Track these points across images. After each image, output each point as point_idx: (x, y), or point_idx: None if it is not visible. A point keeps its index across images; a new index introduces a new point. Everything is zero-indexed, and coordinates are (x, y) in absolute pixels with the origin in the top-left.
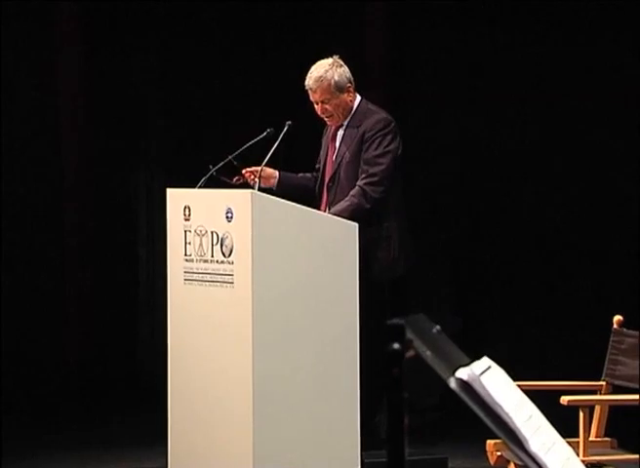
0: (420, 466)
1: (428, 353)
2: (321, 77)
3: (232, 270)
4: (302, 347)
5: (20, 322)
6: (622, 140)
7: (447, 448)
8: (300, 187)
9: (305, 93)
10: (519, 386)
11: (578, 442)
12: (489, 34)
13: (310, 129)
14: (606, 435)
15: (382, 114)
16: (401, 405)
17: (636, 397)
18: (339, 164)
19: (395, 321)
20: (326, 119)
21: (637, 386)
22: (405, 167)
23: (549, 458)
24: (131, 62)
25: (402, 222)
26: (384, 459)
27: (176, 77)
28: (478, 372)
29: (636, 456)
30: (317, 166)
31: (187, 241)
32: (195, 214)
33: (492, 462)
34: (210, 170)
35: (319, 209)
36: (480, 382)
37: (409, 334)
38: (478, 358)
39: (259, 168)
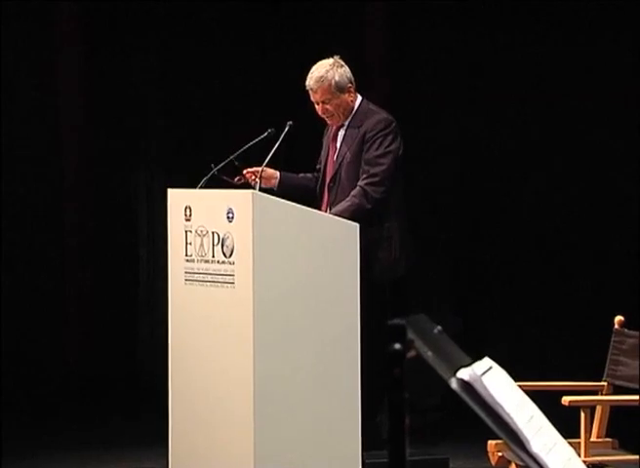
0: (421, 466)
1: (429, 353)
2: (322, 77)
3: (233, 270)
4: (303, 347)
5: (20, 322)
6: (622, 140)
7: (448, 449)
8: (301, 187)
9: (306, 93)
10: (520, 387)
11: (579, 442)
12: (489, 34)
13: (311, 129)
14: (607, 435)
15: (383, 114)
16: (402, 405)
17: (637, 397)
18: (339, 164)
19: (396, 321)
20: (327, 119)
21: (638, 387)
22: (405, 167)
23: (551, 459)
24: (131, 62)
25: (403, 223)
26: (385, 460)
27: (176, 77)
28: (479, 373)
29: (637, 457)
30: (318, 166)
31: (188, 241)
32: (196, 214)
33: (493, 463)
34: (212, 169)
35: (320, 209)
36: (481, 383)
37: (410, 335)
38: (479, 358)
39: (259, 168)
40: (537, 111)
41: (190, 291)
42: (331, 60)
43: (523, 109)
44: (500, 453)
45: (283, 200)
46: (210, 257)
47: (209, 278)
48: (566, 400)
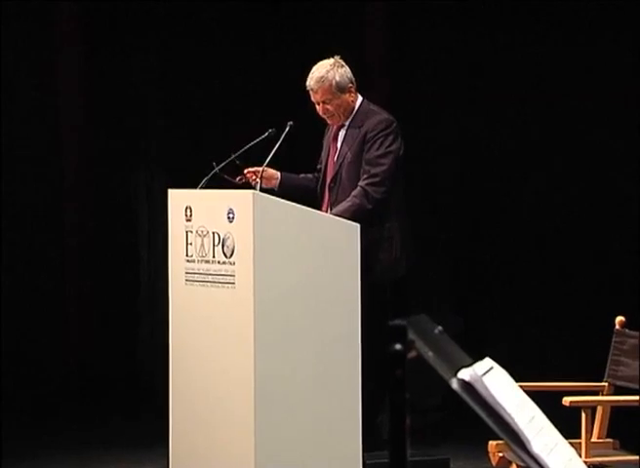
0: (421, 467)
1: (430, 354)
2: (322, 77)
3: (234, 271)
4: (304, 348)
5: (20, 322)
6: (622, 140)
7: (449, 449)
8: (302, 188)
9: (306, 93)
10: (521, 387)
11: (580, 443)
12: (489, 34)
13: (311, 129)
14: (608, 436)
15: (384, 115)
16: (403, 405)
17: (638, 398)
18: (340, 164)
19: (397, 322)
20: (327, 119)
21: (639, 387)
22: (405, 167)
23: (552, 459)
24: (131, 62)
25: (403, 223)
26: (386, 460)
27: (176, 77)
28: (480, 373)
29: (638, 457)
30: (318, 166)
31: (189, 241)
32: (196, 214)
33: (494, 463)
34: (213, 168)
35: (321, 209)
36: (482, 383)
37: (411, 335)
38: (480, 358)
39: (260, 168)
40: (537, 111)
41: (191, 291)
42: (331, 61)
43: (523, 109)
44: (500, 454)
45: (284, 200)
46: (210, 258)
47: (209, 278)
48: (567, 400)
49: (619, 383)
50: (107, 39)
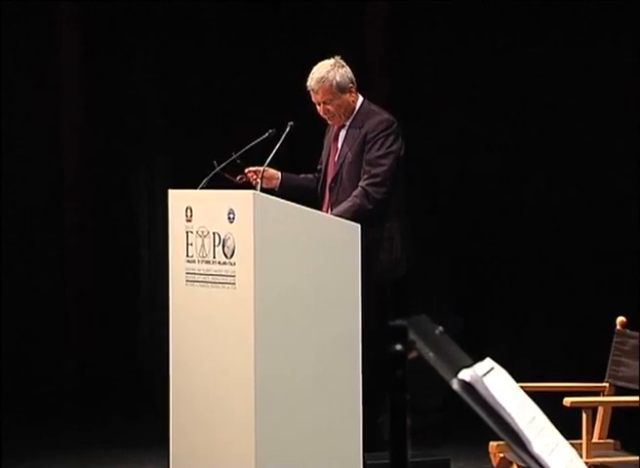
0: None
1: (431, 354)
2: (323, 78)
3: (234, 271)
4: (305, 348)
5: (20, 322)
6: (622, 140)
7: (449, 450)
8: (302, 188)
9: (306, 93)
10: (521, 388)
11: (581, 443)
12: (489, 34)
13: (312, 129)
14: (609, 436)
15: (385, 115)
16: (404, 406)
17: (639, 398)
18: (341, 165)
19: (398, 322)
20: (328, 120)
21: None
22: (405, 167)
23: (552, 460)
24: (131, 62)
25: (404, 223)
26: (387, 461)
27: (176, 77)
28: (481, 374)
29: (639, 458)
30: (319, 167)
31: (189, 242)
32: (197, 214)
33: (494, 464)
34: (214, 167)
35: (321, 209)
36: (483, 384)
37: (411, 336)
38: (481, 359)
39: (261, 168)
40: (537, 111)
41: (191, 291)
42: (332, 61)
43: (523, 109)
44: (501, 454)
45: (284, 201)
46: (211, 258)
47: (210, 279)
48: (568, 401)
49: (619, 384)
50: (107, 39)
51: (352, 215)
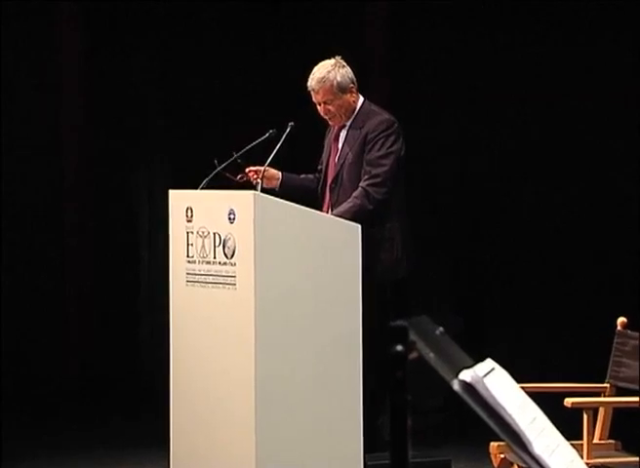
0: None
1: (431, 355)
2: (323, 78)
3: (235, 272)
4: (305, 349)
5: (20, 322)
6: (622, 140)
7: (450, 451)
8: (303, 188)
9: (307, 93)
10: (522, 388)
11: (581, 444)
12: (489, 34)
13: (312, 129)
14: (610, 437)
15: (385, 115)
16: (404, 407)
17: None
18: (341, 165)
19: (398, 323)
20: (328, 120)
21: None
22: (405, 167)
23: (553, 460)
24: (131, 62)
25: (404, 223)
26: (387, 461)
27: (176, 77)
28: (481, 374)
29: None
30: (319, 167)
31: (190, 242)
32: (197, 215)
33: (495, 464)
34: (215, 167)
35: (321, 210)
36: (483, 384)
37: (412, 336)
38: (480, 359)
39: (262, 167)
40: (537, 111)
41: (192, 292)
42: (332, 61)
43: (523, 109)
44: (502, 455)
45: (285, 201)
46: (211, 259)
47: (210, 279)
48: (568, 401)
49: (620, 384)
50: (107, 39)
51: (353, 216)
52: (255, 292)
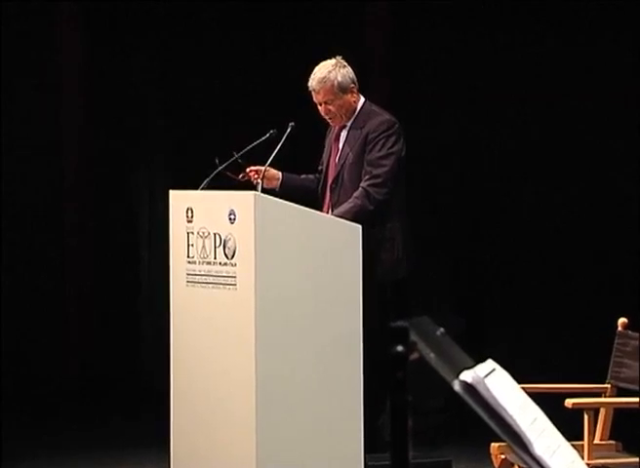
0: None
1: (432, 355)
2: (324, 78)
3: (235, 272)
4: (305, 349)
5: (20, 322)
6: (622, 140)
7: (451, 451)
8: (303, 188)
9: (307, 93)
10: (523, 389)
11: (582, 445)
12: (489, 34)
13: (313, 130)
14: (611, 438)
15: (386, 116)
16: (405, 407)
17: None
18: (342, 165)
19: (399, 323)
20: (329, 120)
21: None
22: (405, 167)
23: (554, 461)
24: (131, 62)
25: (405, 223)
26: (388, 462)
27: (176, 77)
28: (482, 375)
29: None
30: (320, 167)
31: (190, 243)
32: (198, 215)
33: (496, 465)
34: (216, 166)
35: (322, 210)
36: (484, 385)
37: (413, 337)
38: (480, 359)
39: (263, 167)
40: (537, 111)
41: (192, 292)
42: (333, 61)
43: (523, 109)
44: (503, 456)
45: (285, 201)
46: (212, 259)
47: (211, 280)
48: (569, 402)
49: (621, 385)
50: (107, 39)
51: (353, 216)
52: (255, 293)
